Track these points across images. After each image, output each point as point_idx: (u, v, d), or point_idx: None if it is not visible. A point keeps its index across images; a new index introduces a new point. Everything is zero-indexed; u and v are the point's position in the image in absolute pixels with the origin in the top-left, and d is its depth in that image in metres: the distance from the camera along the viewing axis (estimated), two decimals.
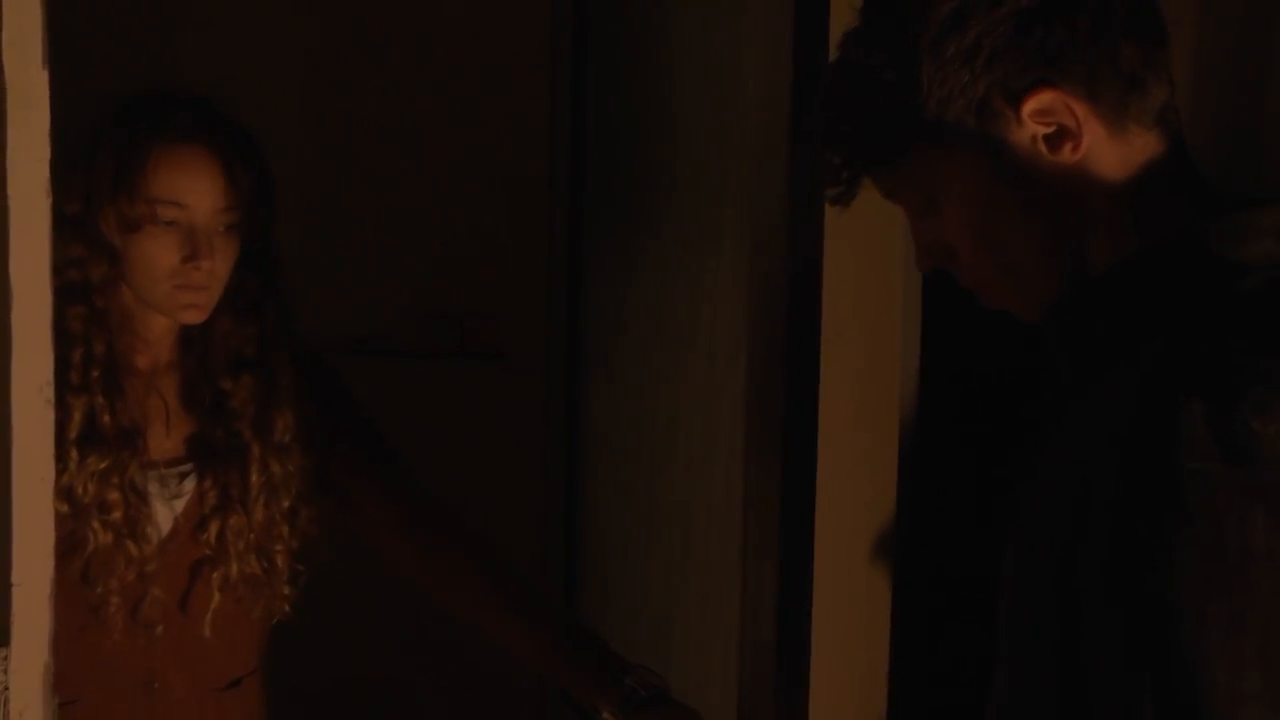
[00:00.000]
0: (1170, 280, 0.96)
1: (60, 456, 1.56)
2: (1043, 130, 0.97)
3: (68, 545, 1.58)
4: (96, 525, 1.60)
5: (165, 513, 1.68)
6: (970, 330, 1.71)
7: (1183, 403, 0.85)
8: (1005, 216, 1.00)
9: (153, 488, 1.67)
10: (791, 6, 1.71)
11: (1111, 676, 0.86)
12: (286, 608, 1.74)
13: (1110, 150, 0.98)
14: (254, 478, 1.67)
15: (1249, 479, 0.83)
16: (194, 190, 1.60)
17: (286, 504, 1.71)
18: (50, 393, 1.26)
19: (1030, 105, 0.97)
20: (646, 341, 2.44)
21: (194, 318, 1.64)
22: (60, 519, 1.44)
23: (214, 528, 1.67)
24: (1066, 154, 0.97)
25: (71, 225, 1.59)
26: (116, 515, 1.61)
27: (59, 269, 1.56)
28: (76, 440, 1.60)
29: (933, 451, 1.79)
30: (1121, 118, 0.98)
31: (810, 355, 1.70)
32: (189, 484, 1.69)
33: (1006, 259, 1.02)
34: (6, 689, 1.23)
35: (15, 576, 1.24)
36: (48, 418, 1.26)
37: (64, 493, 1.57)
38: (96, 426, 1.61)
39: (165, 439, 1.69)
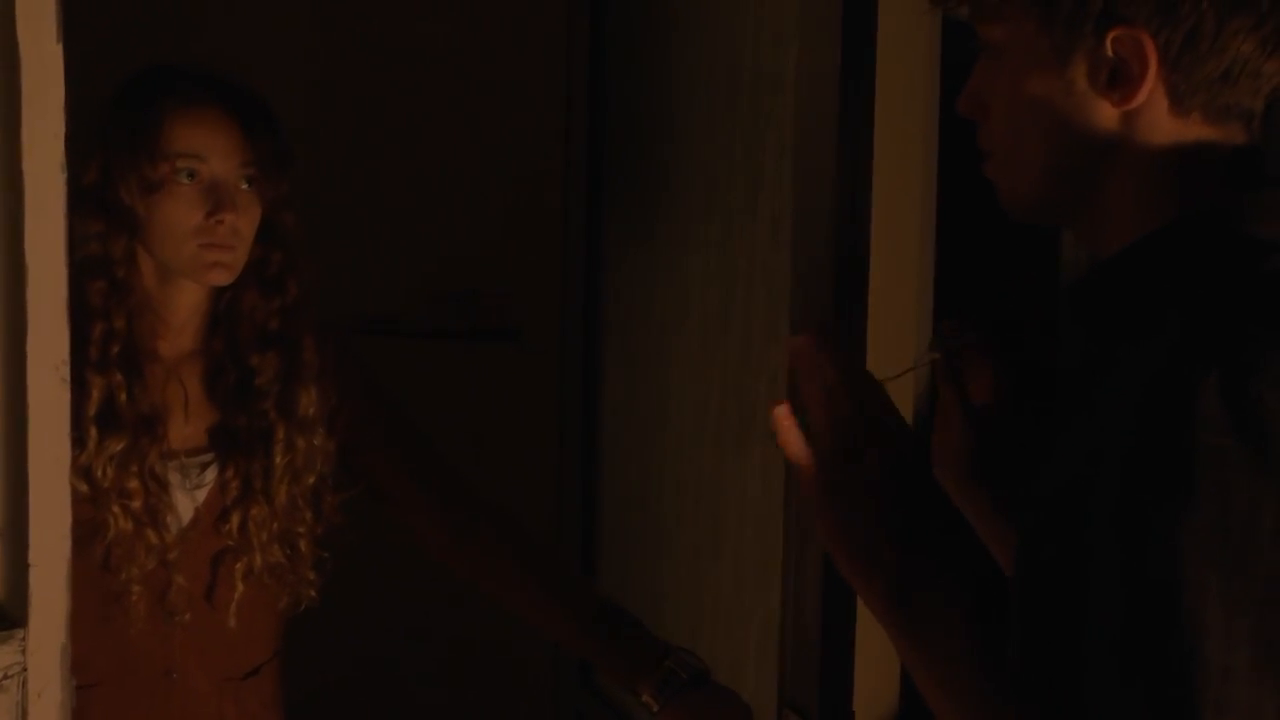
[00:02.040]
0: (1196, 255, 0.94)
1: (79, 435, 1.55)
2: (1110, 62, 0.94)
3: (88, 530, 1.56)
4: (116, 510, 1.59)
5: (186, 503, 1.66)
6: (1003, 316, 1.70)
7: (1199, 376, 0.83)
8: (1035, 116, 0.98)
9: (173, 478, 1.65)
10: None
11: (1110, 645, 0.85)
12: (313, 593, 1.72)
13: (1165, 123, 0.95)
14: (278, 458, 1.66)
15: (1262, 455, 0.81)
16: (213, 144, 1.60)
17: (310, 483, 1.69)
18: (66, 371, 1.25)
19: (1117, 32, 0.93)
20: (671, 322, 2.42)
21: (222, 278, 1.62)
22: (79, 502, 1.44)
23: (236, 519, 1.66)
24: (1116, 99, 0.95)
25: (89, 197, 1.58)
26: (136, 504, 1.60)
27: (79, 243, 1.56)
28: (95, 418, 1.59)
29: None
30: (1189, 100, 0.94)
31: (857, 339, 1.68)
32: (210, 474, 1.68)
33: (1016, 149, 1.01)
34: (25, 670, 1.22)
35: (32, 557, 1.23)
36: (64, 397, 1.25)
37: (82, 472, 1.56)
38: (115, 407, 1.60)
39: (185, 427, 1.67)
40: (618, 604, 1.77)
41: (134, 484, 1.59)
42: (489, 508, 1.80)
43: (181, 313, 1.66)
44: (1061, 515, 0.92)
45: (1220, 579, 0.81)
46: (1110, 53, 0.94)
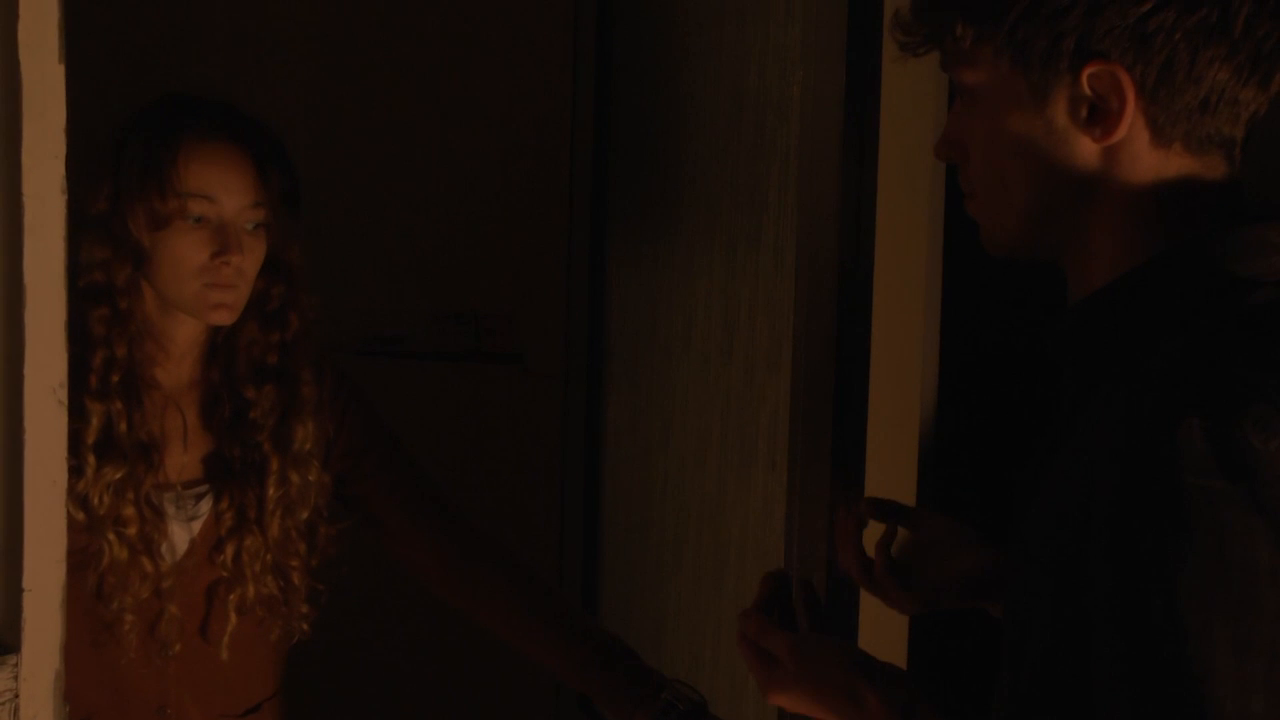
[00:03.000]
0: (1176, 293, 0.93)
1: (77, 463, 1.54)
2: (1089, 99, 0.94)
3: (82, 558, 1.55)
4: (112, 537, 1.57)
5: (181, 534, 1.65)
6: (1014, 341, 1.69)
7: (1182, 418, 0.83)
8: (1016, 157, 0.98)
9: (169, 509, 1.64)
10: (845, 5, 1.69)
11: (1117, 697, 0.84)
12: (306, 627, 1.71)
13: (1146, 156, 0.95)
14: (271, 491, 1.65)
15: (1250, 495, 0.81)
16: (224, 185, 1.58)
17: (304, 516, 1.68)
18: (64, 395, 1.24)
19: (1092, 69, 0.93)
20: (675, 348, 2.41)
21: (224, 318, 1.61)
22: (75, 529, 1.42)
23: (230, 550, 1.65)
24: (1096, 135, 0.94)
25: (97, 225, 1.57)
26: (132, 530, 1.58)
27: (83, 270, 1.55)
28: (94, 446, 1.57)
29: (987, 462, 1.77)
30: (1170, 130, 0.94)
31: (860, 367, 1.67)
32: (205, 505, 1.66)
33: (999, 190, 1.00)
34: (17, 696, 1.21)
35: (27, 581, 1.21)
36: (60, 420, 1.24)
37: (80, 500, 1.55)
38: (113, 435, 1.58)
39: (183, 456, 1.66)
40: (614, 635, 1.76)
41: (130, 511, 1.58)
42: (485, 540, 1.79)
43: (181, 344, 1.65)
44: (1052, 561, 0.91)
45: (1225, 623, 0.80)
46: (1088, 89, 0.94)
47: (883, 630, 1.71)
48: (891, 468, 1.68)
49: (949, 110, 1.05)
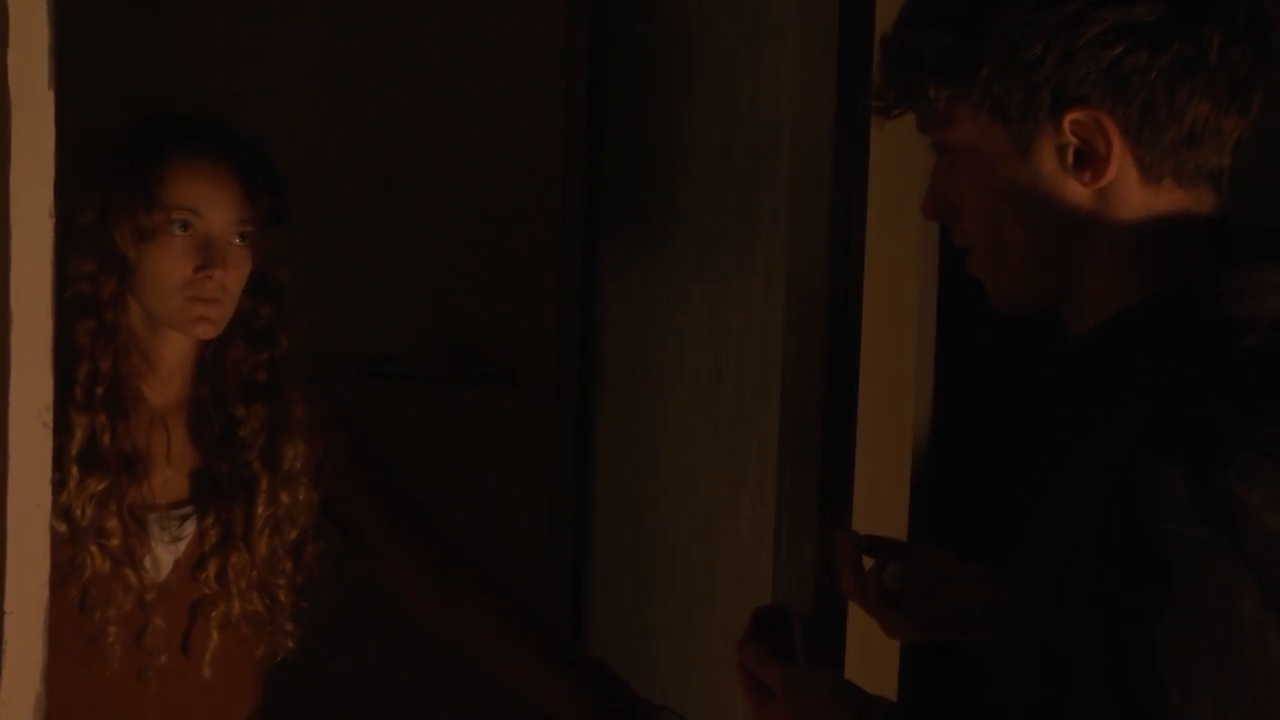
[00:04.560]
0: (1169, 333, 0.93)
1: (60, 475, 1.54)
2: (1074, 145, 0.94)
3: (65, 571, 1.55)
4: (94, 549, 1.58)
5: (165, 555, 1.65)
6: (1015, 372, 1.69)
7: (1165, 466, 0.83)
8: (1008, 209, 0.98)
9: (153, 529, 1.64)
10: (836, 33, 1.69)
11: None
12: (291, 644, 1.71)
13: (1136, 194, 0.95)
14: (260, 510, 1.65)
15: (1234, 544, 0.80)
16: (210, 200, 1.59)
17: (293, 535, 1.68)
18: (49, 418, 1.24)
19: (1073, 115, 0.93)
20: (668, 371, 2.41)
21: (207, 332, 1.62)
22: (57, 542, 1.42)
23: (214, 566, 1.65)
24: (1086, 179, 0.95)
25: (85, 237, 1.59)
26: (114, 542, 1.59)
27: (70, 281, 1.57)
28: (77, 458, 1.58)
29: (979, 496, 1.77)
30: (1158, 168, 0.94)
31: (849, 396, 1.67)
32: (189, 526, 1.66)
33: (995, 244, 1.00)
34: None
35: (8, 604, 1.21)
36: (45, 442, 1.24)
37: (62, 512, 1.55)
38: (97, 446, 1.59)
39: (167, 472, 1.66)
40: (601, 662, 1.76)
41: (112, 523, 1.59)
42: (475, 566, 1.79)
43: (169, 361, 1.66)
44: (1038, 600, 0.91)
45: (1207, 673, 0.79)
46: (1071, 135, 0.94)
47: (871, 659, 1.71)
48: (880, 496, 1.68)
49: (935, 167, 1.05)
